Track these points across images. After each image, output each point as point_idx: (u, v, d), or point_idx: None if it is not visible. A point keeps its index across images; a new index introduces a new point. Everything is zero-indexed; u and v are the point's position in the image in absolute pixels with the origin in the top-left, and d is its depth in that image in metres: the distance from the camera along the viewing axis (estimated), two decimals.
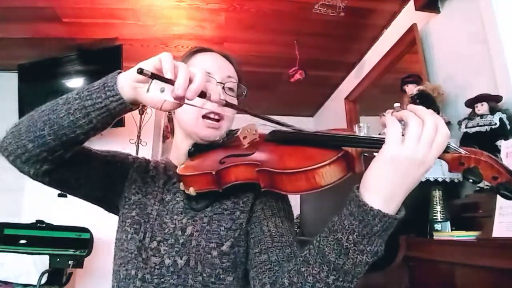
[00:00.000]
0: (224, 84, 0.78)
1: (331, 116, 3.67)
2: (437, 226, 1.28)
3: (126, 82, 0.56)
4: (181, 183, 0.71)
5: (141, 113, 2.91)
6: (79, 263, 2.32)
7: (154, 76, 0.51)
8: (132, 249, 0.69)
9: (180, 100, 0.53)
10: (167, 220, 0.71)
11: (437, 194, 1.32)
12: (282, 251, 0.64)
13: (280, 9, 2.28)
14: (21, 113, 2.68)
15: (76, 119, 0.57)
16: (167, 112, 0.80)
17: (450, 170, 0.48)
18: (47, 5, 2.23)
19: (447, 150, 0.48)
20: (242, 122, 0.74)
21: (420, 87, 1.75)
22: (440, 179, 1.41)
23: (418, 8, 2.00)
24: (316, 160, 0.53)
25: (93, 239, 2.43)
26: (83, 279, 2.68)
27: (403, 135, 0.47)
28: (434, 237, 1.24)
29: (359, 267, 0.50)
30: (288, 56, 2.63)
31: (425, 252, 1.20)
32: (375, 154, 0.49)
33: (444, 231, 1.25)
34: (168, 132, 3.15)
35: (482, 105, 1.47)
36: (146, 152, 2.99)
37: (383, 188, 0.47)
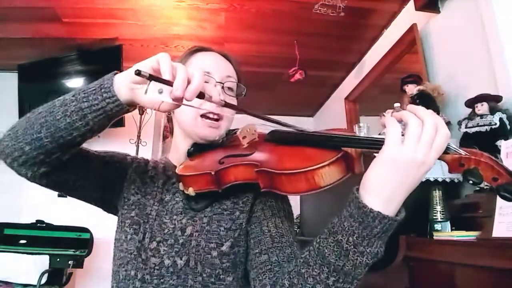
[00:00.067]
0: (223, 83, 0.78)
1: (331, 116, 3.67)
2: (437, 226, 1.28)
3: (123, 83, 0.56)
4: (181, 183, 0.71)
5: (141, 113, 2.91)
6: (79, 263, 2.32)
7: (152, 78, 0.50)
8: (132, 250, 0.68)
9: (179, 101, 0.53)
10: (167, 220, 0.71)
11: (437, 194, 1.32)
12: (282, 252, 0.64)
13: (280, 9, 2.28)
14: (21, 113, 2.68)
15: (73, 121, 0.57)
16: (166, 112, 0.80)
17: (450, 171, 0.48)
18: (47, 5, 2.23)
19: (447, 151, 0.47)
20: (242, 122, 0.74)
21: (420, 87, 1.75)
22: (440, 179, 1.41)
23: (418, 8, 2.00)
24: (316, 160, 0.52)
25: (93, 239, 2.43)
26: (83, 279, 2.68)
27: (403, 135, 0.46)
28: (434, 237, 1.24)
29: (359, 269, 0.49)
30: (288, 56, 2.63)
31: (425, 252, 1.20)
32: (375, 154, 0.49)
33: (444, 231, 1.25)
34: (167, 132, 3.16)
35: (482, 105, 1.47)
36: (146, 152, 2.99)
37: (383, 189, 0.47)
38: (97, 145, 0.73)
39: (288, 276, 0.56)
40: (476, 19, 1.62)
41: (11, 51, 2.77)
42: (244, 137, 0.71)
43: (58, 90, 2.68)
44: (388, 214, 0.47)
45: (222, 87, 0.78)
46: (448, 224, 1.28)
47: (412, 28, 2.10)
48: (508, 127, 1.40)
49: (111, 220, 0.78)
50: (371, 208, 0.47)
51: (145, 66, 0.53)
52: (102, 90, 0.56)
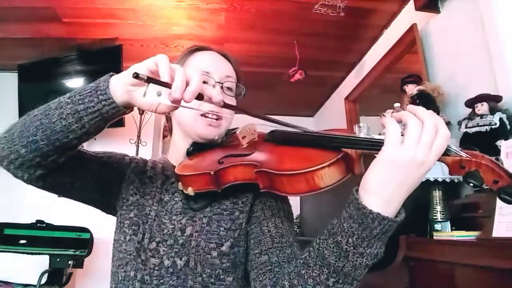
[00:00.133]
0: (222, 83, 0.78)
1: (331, 116, 3.67)
2: (437, 226, 1.27)
3: (119, 85, 0.55)
4: (180, 183, 0.71)
5: (141, 113, 2.91)
6: (79, 263, 2.32)
7: (150, 80, 0.50)
8: (131, 251, 0.68)
9: (177, 103, 0.53)
10: (166, 220, 0.71)
11: (437, 194, 1.32)
12: (283, 252, 0.64)
13: (280, 9, 2.28)
14: (21, 113, 2.67)
15: (69, 123, 0.56)
16: (163, 114, 0.80)
17: (450, 173, 0.48)
18: (47, 5, 2.23)
19: (448, 153, 0.47)
20: (242, 122, 0.74)
21: (420, 87, 1.75)
22: (440, 179, 1.41)
23: (418, 8, 2.00)
24: (316, 161, 0.52)
25: (93, 239, 2.43)
26: (83, 279, 2.68)
27: (403, 136, 0.46)
28: (434, 237, 1.24)
29: (359, 270, 0.49)
30: (288, 56, 2.63)
31: (425, 252, 1.20)
32: (375, 155, 0.49)
33: (444, 231, 1.25)
34: (167, 132, 3.15)
35: (482, 105, 1.47)
36: (146, 152, 2.99)
37: (382, 190, 0.47)
38: (97, 145, 0.73)
39: (288, 277, 0.55)
40: (476, 19, 1.62)
41: (11, 51, 2.77)
42: (243, 137, 0.71)
43: (58, 90, 2.68)
44: (388, 215, 0.47)
45: (221, 87, 0.78)
46: (448, 224, 1.28)
47: (412, 28, 2.10)
48: (508, 127, 1.40)
49: (111, 220, 0.78)
50: (370, 209, 0.47)
51: (142, 68, 0.53)
52: (98, 93, 0.56)
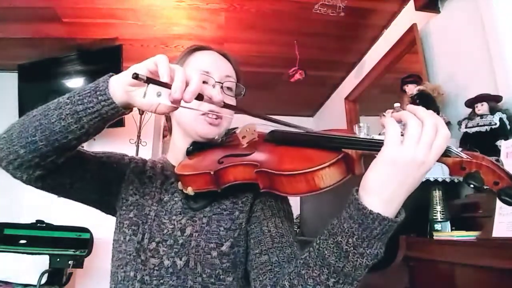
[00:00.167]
0: (222, 83, 0.78)
1: (331, 116, 3.67)
2: (437, 226, 1.27)
3: (118, 86, 0.55)
4: (179, 183, 0.71)
5: (141, 113, 2.91)
6: (79, 263, 2.32)
7: (150, 81, 0.50)
8: (131, 251, 0.68)
9: (177, 104, 0.53)
10: (166, 220, 0.71)
11: (437, 194, 1.32)
12: (283, 252, 0.64)
13: (280, 9, 2.28)
14: (21, 113, 2.67)
15: (68, 124, 0.56)
16: (163, 114, 0.80)
17: (451, 174, 0.48)
18: (47, 5, 2.23)
19: (448, 154, 0.47)
20: (242, 121, 0.74)
21: (420, 87, 1.75)
22: (440, 179, 1.41)
23: (418, 8, 2.00)
24: (316, 162, 0.52)
25: (93, 239, 2.43)
26: (83, 279, 2.68)
27: (402, 136, 0.46)
28: (434, 237, 1.24)
29: (359, 270, 0.49)
30: (288, 56, 2.63)
31: (425, 252, 1.20)
32: (375, 155, 0.49)
33: (444, 231, 1.25)
34: (166, 131, 3.15)
35: (482, 105, 1.47)
36: (146, 152, 2.99)
37: (382, 190, 0.47)
38: (97, 145, 0.73)
39: (289, 277, 0.55)
40: (476, 19, 1.62)
41: (11, 51, 2.77)
42: (243, 137, 0.71)
43: (58, 90, 2.68)
44: (388, 216, 0.47)
45: (221, 87, 0.78)
46: (448, 224, 1.28)
47: (412, 28, 2.10)
48: (508, 127, 1.40)
49: (111, 220, 0.78)
50: (370, 210, 0.47)
51: (142, 68, 0.53)
52: (97, 93, 0.55)
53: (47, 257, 2.27)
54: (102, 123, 0.58)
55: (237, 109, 0.66)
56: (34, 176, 0.62)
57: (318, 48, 2.70)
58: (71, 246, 2.39)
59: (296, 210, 1.35)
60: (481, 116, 1.46)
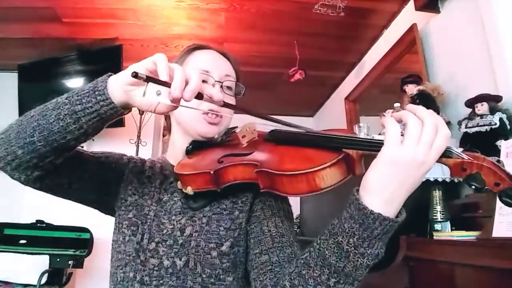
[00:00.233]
0: (222, 82, 0.77)
1: (331, 116, 3.67)
2: (437, 226, 1.27)
3: (117, 85, 0.55)
4: (179, 182, 0.71)
5: (141, 113, 2.91)
6: (79, 263, 2.32)
7: (149, 79, 0.50)
8: (130, 251, 0.68)
9: (177, 102, 0.52)
10: (165, 220, 0.71)
11: (437, 194, 1.32)
12: (283, 252, 0.64)
13: (280, 9, 2.28)
14: (21, 113, 2.64)
15: (66, 124, 0.56)
16: (162, 114, 0.79)
17: (452, 175, 0.48)
18: (47, 5, 2.23)
19: (449, 155, 0.47)
20: (242, 121, 0.73)
21: (420, 87, 1.75)
22: (440, 179, 1.41)
23: (418, 8, 2.00)
24: (317, 162, 0.52)
25: (93, 239, 2.43)
26: (83, 279, 2.68)
27: (403, 136, 0.46)
28: (434, 237, 1.23)
29: (360, 270, 0.49)
30: (288, 56, 2.63)
31: (425, 252, 1.20)
32: (376, 155, 0.49)
33: (444, 231, 1.25)
34: (166, 130, 3.15)
35: (482, 105, 1.47)
36: (146, 152, 2.99)
37: (383, 190, 0.47)
38: (97, 145, 0.73)
39: (289, 277, 0.55)
40: (476, 19, 1.62)
41: (11, 51, 2.77)
42: (243, 136, 0.71)
43: (58, 90, 2.68)
44: (389, 216, 0.47)
45: (221, 86, 0.77)
46: (448, 224, 1.28)
47: (412, 28, 2.10)
48: (508, 127, 1.40)
49: (111, 220, 0.78)
50: (371, 210, 0.46)
51: (141, 67, 0.52)
52: (96, 93, 0.55)
53: (47, 257, 2.27)
54: (101, 123, 0.58)
55: (237, 108, 0.66)
56: (32, 177, 0.62)
57: (318, 48, 2.70)
58: (71, 246, 2.39)
59: (296, 210, 1.34)
60: (481, 116, 1.46)
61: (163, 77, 0.51)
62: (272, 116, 0.61)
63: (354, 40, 2.64)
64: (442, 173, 1.42)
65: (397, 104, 1.74)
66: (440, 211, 1.29)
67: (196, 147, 0.75)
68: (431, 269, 1.17)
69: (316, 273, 0.51)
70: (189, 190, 0.67)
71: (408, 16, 2.21)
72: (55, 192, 0.69)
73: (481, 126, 1.44)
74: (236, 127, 0.78)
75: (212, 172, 0.64)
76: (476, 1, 1.63)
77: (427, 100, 1.63)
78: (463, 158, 0.46)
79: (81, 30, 2.52)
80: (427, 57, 2.02)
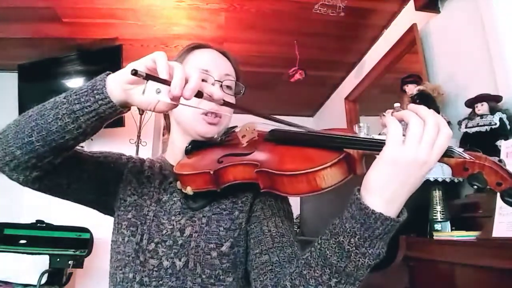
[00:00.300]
0: (222, 82, 0.77)
1: (331, 116, 3.67)
2: (437, 226, 1.27)
3: (116, 84, 0.54)
4: (178, 182, 0.70)
5: (141, 113, 2.91)
6: (79, 263, 2.32)
7: (149, 77, 0.49)
8: (129, 252, 0.67)
9: (177, 101, 0.52)
10: (165, 221, 0.70)
11: (437, 194, 1.32)
12: (283, 252, 0.63)
13: (280, 9, 2.28)
14: (21, 113, 2.68)
15: (65, 124, 0.55)
16: (162, 112, 0.79)
17: (453, 175, 0.48)
18: (47, 5, 2.23)
19: (451, 155, 0.47)
20: (242, 120, 0.73)
21: (420, 87, 1.75)
22: (440, 179, 1.41)
23: (418, 8, 1.99)
24: (317, 162, 0.51)
25: (93, 239, 2.43)
26: (83, 279, 2.68)
27: (404, 136, 0.46)
28: (434, 237, 1.23)
29: (361, 270, 0.49)
30: (288, 56, 2.63)
31: (425, 252, 1.20)
32: (376, 155, 0.49)
33: (444, 231, 1.25)
34: (165, 130, 3.15)
35: (482, 105, 1.47)
36: (146, 152, 2.99)
37: (384, 190, 0.47)
38: (97, 145, 0.72)
39: (290, 277, 0.55)
40: (476, 19, 1.62)
41: (11, 51, 2.77)
42: (243, 136, 0.70)
43: (58, 90, 2.64)
44: (390, 215, 0.46)
45: (221, 86, 0.77)
46: (448, 224, 1.27)
47: (412, 28, 2.10)
48: (508, 127, 1.40)
49: (111, 220, 0.77)
50: (373, 210, 0.46)
51: (141, 65, 0.52)
52: (95, 92, 0.55)
53: (47, 257, 2.27)
54: (100, 122, 0.57)
55: (236, 107, 0.66)
56: (31, 177, 0.61)
57: (318, 48, 2.70)
58: (71, 246, 2.39)
59: (296, 210, 1.34)
60: (481, 116, 1.46)
61: (163, 75, 0.50)
62: (272, 116, 0.61)
63: (354, 40, 2.64)
64: (442, 173, 1.41)
65: (397, 104, 1.74)
66: (440, 211, 1.29)
67: (196, 147, 0.75)
68: (431, 269, 1.17)
69: (317, 273, 0.51)
70: (189, 190, 0.67)
71: (408, 16, 2.21)
72: (54, 192, 0.69)
73: (481, 126, 1.44)
74: (236, 126, 0.77)
75: (211, 172, 0.63)
76: (476, 1, 1.62)
77: (427, 100, 1.63)
78: (465, 158, 0.46)
79: (81, 30, 2.52)
80: (427, 57, 2.02)
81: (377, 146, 0.49)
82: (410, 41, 2.14)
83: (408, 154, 0.45)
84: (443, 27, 1.93)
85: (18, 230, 2.48)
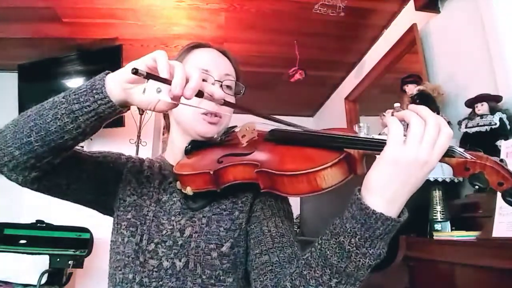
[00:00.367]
0: (221, 82, 0.77)
1: (331, 116, 3.67)
2: (437, 226, 1.27)
3: (116, 83, 0.54)
4: (178, 182, 0.70)
5: (141, 113, 2.91)
6: (79, 263, 2.32)
7: (149, 76, 0.49)
8: (129, 253, 0.67)
9: (177, 100, 0.52)
10: (164, 221, 0.70)
11: (437, 194, 1.32)
12: (283, 252, 0.63)
13: (280, 9, 2.28)
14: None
15: (64, 124, 0.55)
16: (162, 112, 0.79)
17: (455, 175, 0.48)
18: (47, 5, 2.23)
19: (452, 154, 0.47)
20: (241, 120, 0.73)
21: (420, 87, 1.75)
22: (440, 179, 1.41)
23: (418, 8, 1.99)
24: (318, 162, 0.51)
25: (93, 239, 2.43)
26: (83, 279, 2.68)
27: (405, 136, 0.46)
28: (434, 237, 1.23)
29: (361, 270, 0.49)
30: (288, 56, 2.63)
31: (425, 252, 1.20)
32: (376, 155, 0.49)
33: (444, 231, 1.25)
34: (165, 129, 3.14)
35: (482, 105, 1.47)
36: (146, 152, 2.99)
37: (385, 190, 0.47)
38: (96, 145, 0.72)
39: (290, 277, 0.55)
40: (476, 19, 1.62)
41: (11, 51, 2.77)
42: (243, 136, 0.70)
43: (58, 90, 2.61)
44: (391, 215, 0.46)
45: (221, 86, 0.77)
46: (448, 224, 1.28)
47: (412, 28, 2.10)
48: (508, 127, 1.40)
49: (111, 220, 0.77)
50: (373, 210, 0.46)
51: (141, 64, 0.51)
52: (94, 92, 0.54)
53: (47, 257, 2.27)
54: (99, 122, 0.57)
55: (237, 107, 0.65)
56: (30, 177, 0.61)
57: (318, 48, 2.70)
58: (71, 246, 2.39)
59: (296, 210, 1.34)
60: (481, 116, 1.46)
61: (163, 74, 0.50)
62: (272, 116, 0.61)
63: (354, 40, 2.64)
64: (442, 173, 1.42)
65: (397, 104, 1.74)
66: (440, 211, 1.29)
67: (195, 146, 0.75)
68: (431, 269, 1.17)
69: (318, 273, 0.51)
70: (189, 190, 0.67)
71: (408, 16, 2.21)
72: (53, 192, 0.68)
73: (481, 126, 1.44)
74: (236, 126, 0.77)
75: (211, 172, 0.63)
76: (476, 1, 1.62)
77: (427, 100, 1.63)
78: (466, 158, 0.46)
79: (81, 30, 2.52)
80: (427, 57, 2.02)
81: (378, 146, 0.49)
82: (410, 41, 2.14)
83: (409, 154, 0.45)
84: (443, 27, 1.93)
85: (18, 230, 2.48)
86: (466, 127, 1.50)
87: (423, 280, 1.19)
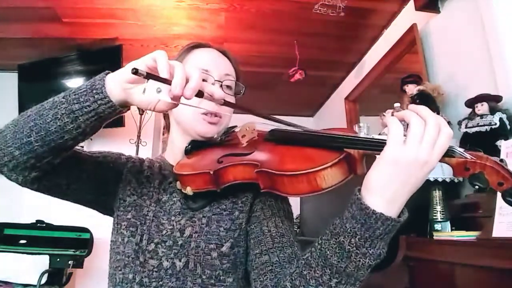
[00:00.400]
0: (221, 82, 0.77)
1: (331, 116, 3.67)
2: (437, 226, 1.27)
3: (116, 83, 0.54)
4: (178, 182, 0.70)
5: (141, 113, 2.91)
6: (79, 263, 2.32)
7: (149, 76, 0.49)
8: (129, 253, 0.67)
9: (177, 100, 0.52)
10: (164, 221, 0.70)
11: (437, 194, 1.32)
12: (283, 252, 0.63)
13: (280, 9, 2.28)
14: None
15: (64, 124, 0.55)
16: (162, 112, 0.78)
17: (455, 175, 0.48)
18: (47, 5, 2.23)
19: (452, 154, 0.47)
20: (240, 120, 0.73)
21: (420, 87, 1.75)
22: (440, 179, 1.41)
23: (418, 8, 2.00)
24: (318, 162, 0.51)
25: (93, 239, 2.43)
26: (83, 279, 2.68)
27: (405, 136, 0.46)
28: (434, 237, 1.23)
29: (361, 270, 0.49)
30: (288, 56, 2.63)
31: (425, 252, 1.20)
32: (376, 155, 0.49)
33: (444, 231, 1.25)
34: (165, 129, 3.14)
35: (482, 105, 1.47)
36: (146, 152, 2.99)
37: (385, 190, 0.47)
38: (96, 145, 0.72)
39: (290, 277, 0.55)
40: (476, 19, 1.62)
41: (11, 51, 2.77)
42: (243, 136, 0.70)
43: (58, 90, 2.61)
44: (391, 215, 0.46)
45: (221, 86, 0.77)
46: (448, 224, 1.28)
47: (412, 28, 2.10)
48: (508, 127, 1.40)
49: (111, 220, 0.77)
50: (373, 210, 0.46)
51: (141, 64, 0.51)
52: (94, 91, 0.54)
53: (47, 257, 2.27)
54: (99, 122, 0.57)
55: (237, 107, 0.65)
56: (29, 177, 0.61)
57: (318, 48, 2.70)
58: (71, 246, 2.39)
59: (296, 210, 1.34)
60: (481, 116, 1.46)
61: (163, 74, 0.50)
62: (272, 116, 0.61)
63: (354, 40, 2.64)
64: (442, 173, 1.42)
65: (397, 104, 1.74)
66: (440, 211, 1.29)
67: (195, 146, 0.75)
68: (431, 269, 1.17)
69: (318, 273, 0.51)
70: (189, 190, 0.67)
71: (408, 16, 2.21)
72: (53, 192, 0.68)
73: (481, 126, 1.44)
74: (236, 126, 0.77)
75: (211, 172, 0.63)
76: (476, 1, 1.62)
77: (427, 100, 1.63)
78: (466, 158, 0.46)
79: (81, 30, 2.52)
80: (427, 57, 2.02)
81: (378, 146, 0.49)
82: (410, 41, 2.14)
83: (409, 154, 0.45)
84: (443, 27, 1.93)
85: (18, 230, 2.47)
86: (466, 127, 1.50)
87: (423, 280, 1.19)
